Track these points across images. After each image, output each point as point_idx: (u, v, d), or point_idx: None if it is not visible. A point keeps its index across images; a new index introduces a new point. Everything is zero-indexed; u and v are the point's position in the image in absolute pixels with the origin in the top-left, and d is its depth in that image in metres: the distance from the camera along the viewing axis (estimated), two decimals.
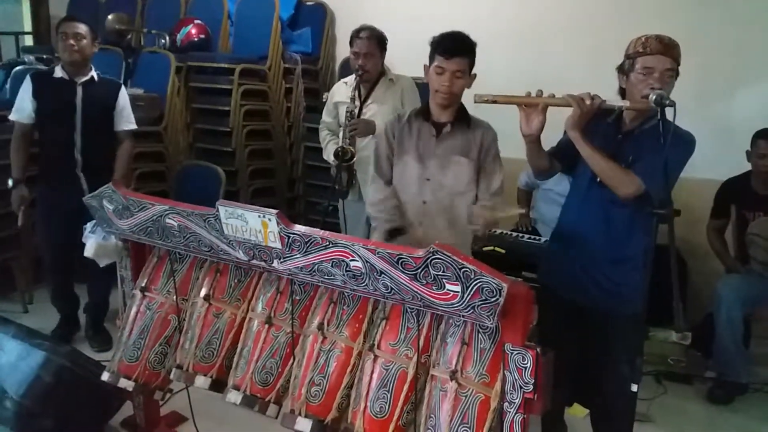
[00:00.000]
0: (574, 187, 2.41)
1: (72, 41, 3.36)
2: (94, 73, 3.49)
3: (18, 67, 4.37)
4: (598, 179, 2.18)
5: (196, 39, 4.87)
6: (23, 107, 3.41)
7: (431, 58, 2.43)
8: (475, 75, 2.47)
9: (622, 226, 2.22)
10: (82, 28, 3.41)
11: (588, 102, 2.06)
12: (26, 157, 3.46)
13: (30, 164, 3.49)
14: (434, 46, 2.42)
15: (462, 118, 2.51)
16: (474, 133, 2.50)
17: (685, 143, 2.13)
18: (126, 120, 3.56)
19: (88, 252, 3.04)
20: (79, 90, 3.42)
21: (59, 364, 2.53)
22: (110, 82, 3.61)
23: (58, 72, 3.44)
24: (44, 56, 4.72)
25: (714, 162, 3.41)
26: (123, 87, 3.63)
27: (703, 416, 3.25)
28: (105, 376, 2.45)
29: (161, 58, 4.61)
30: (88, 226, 3.02)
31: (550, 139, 2.29)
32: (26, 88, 3.42)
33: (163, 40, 4.81)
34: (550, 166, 2.35)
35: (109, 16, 4.85)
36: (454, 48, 2.38)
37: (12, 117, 3.45)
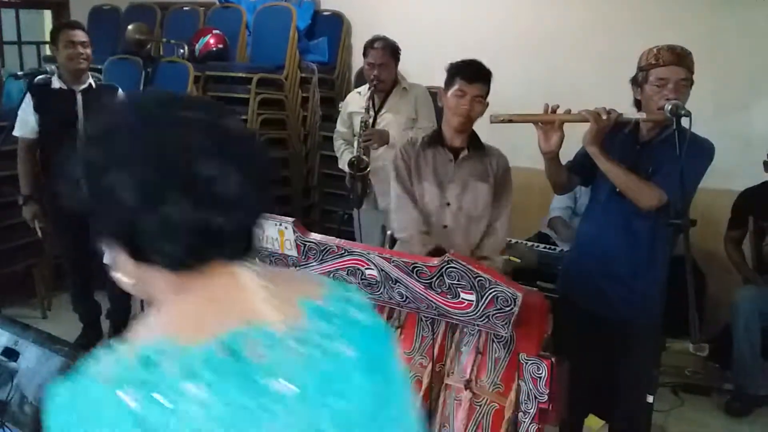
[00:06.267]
0: (593, 198, 2.40)
1: (80, 49, 3.36)
2: (91, 80, 3.50)
3: (39, 77, 4.43)
4: (618, 190, 2.17)
5: (214, 49, 4.92)
6: (26, 122, 3.38)
7: (450, 83, 2.45)
8: (488, 103, 2.49)
9: (644, 237, 2.21)
10: (85, 36, 3.42)
11: (604, 117, 2.06)
12: (33, 172, 3.46)
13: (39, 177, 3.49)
14: (454, 71, 2.45)
15: (477, 143, 2.53)
16: (490, 158, 2.52)
17: (704, 150, 2.12)
18: None
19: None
20: (79, 98, 3.42)
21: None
22: (108, 87, 3.61)
23: (56, 82, 3.41)
24: None
25: (731, 172, 3.38)
26: (120, 90, 3.61)
27: (721, 429, 3.21)
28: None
29: (180, 68, 4.66)
30: None
31: (566, 152, 2.29)
32: (27, 102, 3.37)
33: (181, 50, 4.87)
34: (569, 181, 2.35)
35: (129, 26, 4.91)
36: (476, 73, 2.42)
37: (16, 133, 3.41)
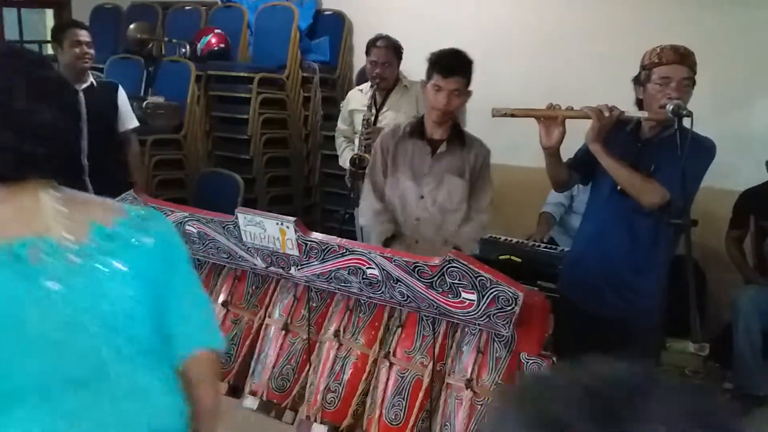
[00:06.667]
0: (594, 197, 2.40)
1: (86, 49, 3.38)
2: (92, 79, 3.52)
3: None
4: (619, 188, 2.17)
5: (216, 48, 4.92)
6: None
7: (429, 76, 2.45)
8: (471, 92, 2.49)
9: (646, 236, 2.21)
10: (89, 35, 3.43)
11: (607, 114, 2.06)
12: None
13: None
14: (432, 64, 2.45)
15: (456, 137, 2.53)
16: (468, 152, 2.53)
17: (705, 150, 2.12)
18: (129, 119, 3.63)
19: None
20: (81, 97, 3.44)
21: None
22: (108, 83, 3.64)
23: None
24: None
25: (732, 172, 3.38)
26: (120, 86, 3.66)
27: None
28: None
29: (182, 67, 4.67)
30: None
31: (567, 149, 2.29)
32: None
33: (183, 49, 4.88)
34: (569, 178, 2.35)
35: (131, 26, 4.93)
36: (452, 67, 2.41)
37: None
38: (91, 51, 3.41)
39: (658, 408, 0.61)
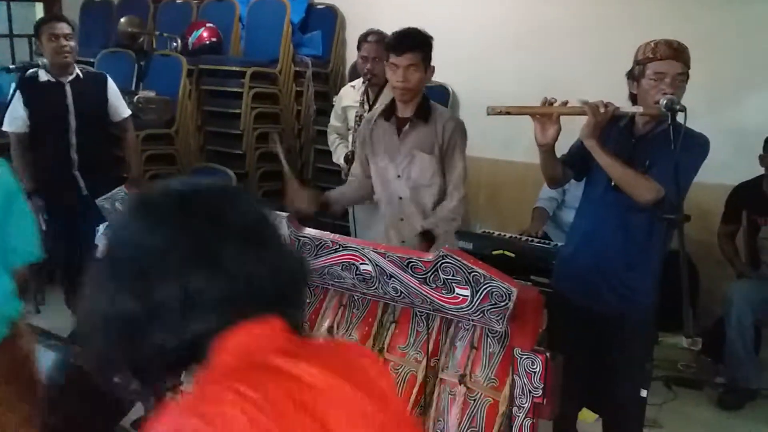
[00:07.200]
0: (588, 192, 2.40)
1: (63, 42, 3.33)
2: (78, 71, 3.48)
3: (30, 70, 4.40)
4: (613, 184, 2.17)
5: (207, 42, 4.89)
6: (17, 117, 3.37)
7: (387, 57, 2.53)
8: (433, 68, 2.54)
9: (641, 231, 2.21)
10: (68, 28, 3.39)
11: (602, 110, 2.06)
12: (32, 165, 3.44)
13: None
14: (386, 45, 2.56)
15: (420, 113, 2.57)
16: (435, 126, 2.56)
17: (698, 146, 2.12)
18: (123, 107, 3.60)
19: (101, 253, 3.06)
20: (68, 89, 3.40)
21: (71, 365, 2.55)
22: (96, 75, 3.61)
23: (43, 75, 3.39)
24: None
25: (726, 166, 3.39)
26: (109, 77, 3.62)
27: (713, 422, 3.23)
28: (116, 378, 2.47)
29: (173, 61, 4.64)
30: (101, 227, 3.04)
31: (561, 145, 2.29)
32: (17, 97, 3.35)
33: (174, 43, 4.84)
34: (563, 175, 2.35)
35: (122, 19, 4.89)
36: (403, 44, 2.48)
37: (7, 128, 3.39)
38: (71, 43, 3.36)
39: None
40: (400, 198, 2.62)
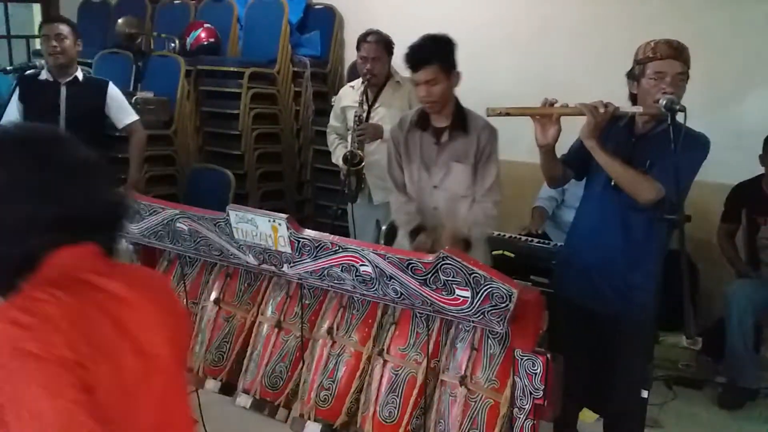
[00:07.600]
0: (588, 192, 2.40)
1: (54, 42, 3.35)
2: (79, 73, 3.48)
3: (28, 71, 4.40)
4: (613, 184, 2.17)
5: (205, 42, 4.88)
6: (11, 111, 3.39)
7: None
8: (459, 73, 2.48)
9: (641, 231, 2.21)
10: (64, 29, 3.39)
11: (602, 110, 2.05)
12: None
13: None
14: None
15: (458, 123, 2.53)
16: (473, 135, 2.52)
17: (699, 145, 2.12)
18: (126, 113, 3.58)
19: None
20: (63, 90, 3.41)
21: None
22: (96, 81, 3.59)
23: (44, 74, 3.44)
24: None
25: (725, 166, 3.38)
26: (111, 84, 3.61)
27: (714, 421, 3.23)
28: None
29: (171, 62, 4.63)
30: None
31: (562, 145, 2.29)
32: (16, 92, 3.40)
33: (172, 44, 4.83)
34: (563, 175, 2.34)
35: (120, 20, 4.87)
36: (417, 60, 2.42)
37: (3, 121, 3.37)
38: (62, 44, 3.37)
39: None
40: (435, 208, 2.57)
